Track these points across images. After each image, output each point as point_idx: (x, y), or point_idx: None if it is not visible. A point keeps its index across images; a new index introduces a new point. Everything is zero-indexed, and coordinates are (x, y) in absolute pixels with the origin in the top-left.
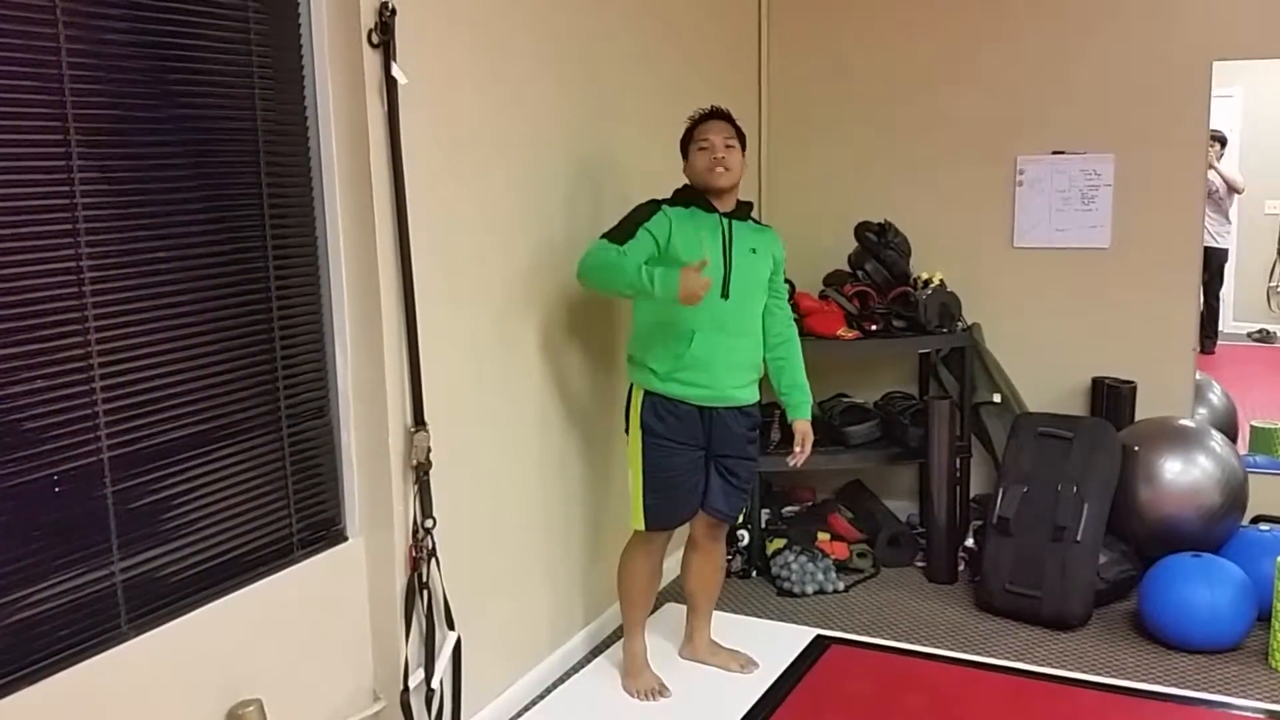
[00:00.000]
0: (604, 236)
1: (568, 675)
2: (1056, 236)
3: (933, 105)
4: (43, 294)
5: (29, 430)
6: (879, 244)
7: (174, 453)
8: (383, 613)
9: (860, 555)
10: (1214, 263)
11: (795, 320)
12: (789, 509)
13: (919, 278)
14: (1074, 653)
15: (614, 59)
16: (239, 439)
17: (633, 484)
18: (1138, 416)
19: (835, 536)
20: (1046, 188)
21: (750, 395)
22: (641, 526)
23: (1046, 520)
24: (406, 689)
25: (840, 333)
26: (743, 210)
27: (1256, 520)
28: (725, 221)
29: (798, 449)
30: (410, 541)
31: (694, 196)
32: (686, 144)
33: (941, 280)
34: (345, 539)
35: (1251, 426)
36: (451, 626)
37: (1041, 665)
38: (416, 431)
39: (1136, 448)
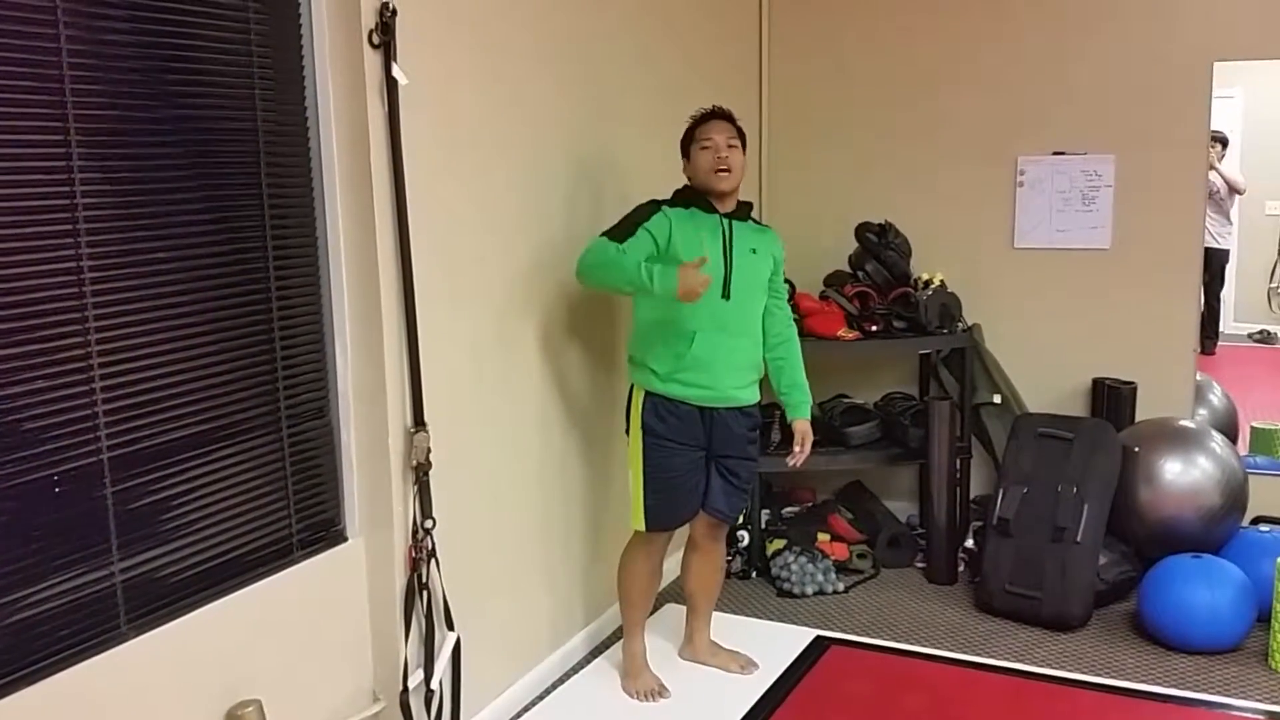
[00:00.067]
0: (604, 235)
1: (567, 676)
2: (1057, 237)
3: (933, 106)
4: (43, 294)
5: (29, 430)
6: (879, 245)
7: (174, 453)
8: (382, 613)
9: (860, 556)
10: (1215, 263)
11: (796, 321)
12: (789, 510)
13: (919, 278)
14: (1074, 653)
15: (614, 59)
16: (239, 439)
17: (633, 484)
18: (1138, 417)
19: (835, 537)
20: (1047, 188)
21: (751, 395)
22: (642, 527)
23: (1046, 521)
24: (406, 689)
25: (840, 333)
26: (743, 210)
27: (1256, 521)
28: (725, 222)
29: (797, 449)
30: (410, 542)
31: (694, 197)
32: (688, 144)
33: (942, 281)
34: (345, 539)
35: (1252, 427)
36: (451, 627)
37: (1041, 666)
38: (416, 432)
39: (1137, 448)
